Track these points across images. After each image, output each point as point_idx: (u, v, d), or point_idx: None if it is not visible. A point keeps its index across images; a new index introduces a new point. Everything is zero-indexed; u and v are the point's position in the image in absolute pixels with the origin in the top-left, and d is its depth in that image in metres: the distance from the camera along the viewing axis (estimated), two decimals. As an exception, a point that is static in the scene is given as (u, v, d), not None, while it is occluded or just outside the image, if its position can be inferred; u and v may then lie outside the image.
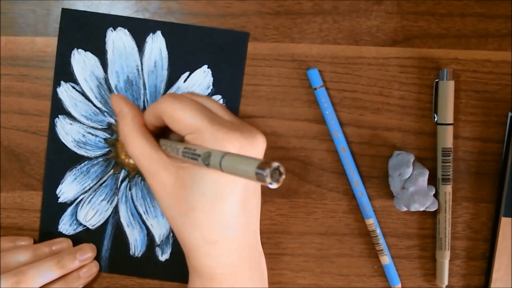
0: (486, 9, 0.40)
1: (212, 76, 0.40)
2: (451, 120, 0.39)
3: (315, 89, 0.40)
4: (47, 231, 0.41)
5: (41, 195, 0.41)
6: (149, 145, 0.31)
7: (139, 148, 0.31)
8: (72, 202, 0.41)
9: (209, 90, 0.40)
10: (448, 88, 0.39)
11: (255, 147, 0.30)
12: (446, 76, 0.39)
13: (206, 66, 0.40)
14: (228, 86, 0.40)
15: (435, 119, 0.40)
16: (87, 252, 0.40)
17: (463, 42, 0.40)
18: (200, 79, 0.40)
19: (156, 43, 0.40)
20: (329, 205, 0.41)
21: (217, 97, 0.40)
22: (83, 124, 0.41)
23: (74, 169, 0.41)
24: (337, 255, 0.42)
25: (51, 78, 0.40)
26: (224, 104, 0.40)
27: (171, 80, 0.40)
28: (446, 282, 0.41)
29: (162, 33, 0.40)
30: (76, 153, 0.41)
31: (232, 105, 0.40)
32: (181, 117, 0.30)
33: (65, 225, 0.41)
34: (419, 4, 0.40)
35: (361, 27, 0.40)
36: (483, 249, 0.42)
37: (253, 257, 0.34)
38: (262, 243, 0.42)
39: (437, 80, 0.40)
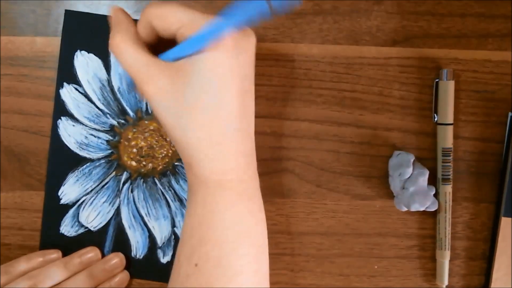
0: (486, 9, 0.40)
1: None
2: (451, 120, 0.39)
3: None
4: (48, 232, 0.41)
5: (41, 195, 0.41)
6: (144, 51, 0.30)
7: (133, 54, 0.30)
8: (74, 204, 0.41)
9: None
10: (448, 88, 0.39)
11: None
12: (446, 76, 0.39)
13: None
14: None
15: (435, 119, 0.40)
16: (116, 262, 0.40)
17: (463, 42, 0.40)
18: None
19: None
20: (329, 205, 0.41)
21: None
22: (86, 125, 0.41)
23: (76, 170, 0.41)
24: (337, 255, 0.42)
25: (51, 78, 0.40)
26: None
27: None
28: (446, 282, 0.41)
29: None
30: (78, 154, 0.41)
31: None
32: (171, 13, 0.29)
33: (67, 227, 0.41)
34: (419, 4, 0.40)
35: (361, 27, 0.40)
36: (483, 249, 0.42)
37: (255, 166, 0.32)
38: (262, 243, 0.42)
39: (437, 80, 0.40)
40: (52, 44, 0.40)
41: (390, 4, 0.40)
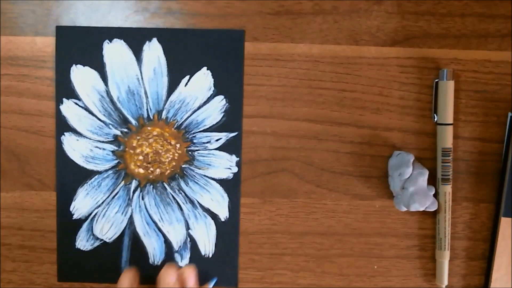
0: (486, 9, 0.40)
1: (213, 77, 0.40)
2: (451, 120, 0.39)
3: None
4: (65, 250, 0.41)
5: (41, 195, 0.41)
6: None
7: None
8: (86, 218, 0.41)
9: (211, 92, 0.40)
10: (448, 88, 0.39)
11: None
12: (446, 76, 0.39)
13: (205, 68, 0.40)
14: (230, 86, 0.40)
15: (435, 119, 0.40)
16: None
17: (463, 42, 0.40)
18: (201, 82, 0.40)
19: (153, 51, 0.40)
20: (329, 205, 0.41)
21: (219, 98, 0.40)
22: (90, 139, 0.41)
23: (85, 184, 0.41)
24: (337, 255, 0.42)
25: (51, 78, 0.40)
26: (227, 105, 0.40)
27: (172, 85, 0.40)
28: (446, 282, 0.41)
29: (158, 39, 0.40)
30: (85, 168, 0.41)
31: (235, 105, 0.40)
32: None
33: (82, 241, 0.41)
34: (419, 4, 0.40)
35: (361, 27, 0.40)
36: (483, 249, 0.42)
37: None
38: (262, 243, 0.42)
39: (437, 80, 0.40)
40: (52, 44, 0.40)
41: (390, 4, 0.40)
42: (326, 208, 0.41)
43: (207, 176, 0.41)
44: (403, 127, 0.41)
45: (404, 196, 0.39)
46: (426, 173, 0.39)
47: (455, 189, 0.41)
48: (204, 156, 0.41)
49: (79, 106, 0.40)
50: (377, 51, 0.40)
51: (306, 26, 0.40)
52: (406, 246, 0.42)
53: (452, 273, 0.42)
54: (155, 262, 0.42)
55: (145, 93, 0.40)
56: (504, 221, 0.40)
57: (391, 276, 0.42)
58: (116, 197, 0.41)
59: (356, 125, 0.41)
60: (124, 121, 0.41)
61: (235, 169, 0.41)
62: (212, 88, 0.40)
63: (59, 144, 0.41)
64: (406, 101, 0.40)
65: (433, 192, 0.39)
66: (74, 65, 0.40)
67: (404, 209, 0.39)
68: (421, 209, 0.39)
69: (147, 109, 0.40)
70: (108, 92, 0.40)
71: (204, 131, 0.41)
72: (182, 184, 0.41)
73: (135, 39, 0.40)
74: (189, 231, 0.41)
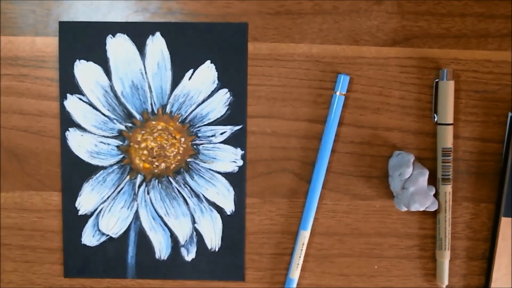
0: (486, 9, 0.40)
1: (216, 71, 0.40)
2: (451, 120, 0.39)
3: (335, 93, 0.40)
4: (70, 246, 0.41)
5: (41, 195, 0.41)
6: None
7: None
8: (92, 213, 0.41)
9: (215, 85, 0.40)
10: (448, 88, 0.39)
11: None
12: (446, 76, 0.39)
13: (209, 61, 0.40)
14: (234, 79, 0.40)
15: (435, 119, 0.40)
16: None
17: (463, 42, 0.40)
18: (205, 75, 0.40)
19: (157, 45, 0.40)
20: (329, 205, 0.41)
21: (224, 91, 0.40)
22: (94, 134, 0.41)
23: (90, 179, 0.41)
24: (337, 255, 0.42)
25: (51, 78, 0.41)
26: (231, 98, 0.40)
27: (176, 79, 0.40)
28: (446, 282, 0.41)
29: (161, 34, 0.40)
30: (90, 163, 0.41)
31: (239, 98, 0.40)
32: None
33: (88, 237, 0.41)
34: (419, 4, 0.40)
35: (361, 27, 0.40)
36: (483, 249, 0.42)
37: None
38: (262, 243, 0.42)
39: (437, 80, 0.40)
40: (52, 44, 0.40)
41: (390, 4, 0.40)
42: (326, 208, 0.41)
43: (212, 170, 0.41)
44: (403, 127, 0.41)
45: (404, 196, 0.39)
46: (426, 173, 0.39)
47: (455, 189, 0.41)
48: (209, 150, 0.41)
49: (83, 101, 0.40)
50: (377, 51, 0.40)
51: (306, 26, 0.40)
52: (406, 246, 0.42)
53: (452, 273, 0.42)
54: (162, 257, 0.42)
55: (149, 87, 0.40)
56: (504, 221, 0.40)
57: (391, 276, 0.42)
58: (121, 192, 0.41)
59: (356, 125, 0.41)
60: (129, 116, 0.41)
61: (240, 162, 0.41)
62: (216, 82, 0.40)
63: (63, 140, 0.41)
64: (406, 101, 0.40)
65: (433, 192, 0.39)
66: (77, 60, 0.40)
67: (404, 209, 0.39)
68: (421, 209, 0.39)
69: (151, 104, 0.40)
70: (112, 87, 0.40)
71: (208, 124, 0.41)
72: (188, 178, 0.41)
73: (139, 33, 0.40)
74: (195, 225, 0.41)
